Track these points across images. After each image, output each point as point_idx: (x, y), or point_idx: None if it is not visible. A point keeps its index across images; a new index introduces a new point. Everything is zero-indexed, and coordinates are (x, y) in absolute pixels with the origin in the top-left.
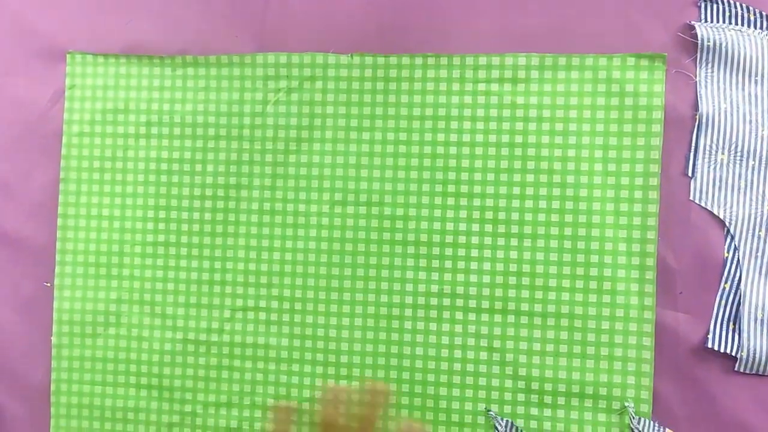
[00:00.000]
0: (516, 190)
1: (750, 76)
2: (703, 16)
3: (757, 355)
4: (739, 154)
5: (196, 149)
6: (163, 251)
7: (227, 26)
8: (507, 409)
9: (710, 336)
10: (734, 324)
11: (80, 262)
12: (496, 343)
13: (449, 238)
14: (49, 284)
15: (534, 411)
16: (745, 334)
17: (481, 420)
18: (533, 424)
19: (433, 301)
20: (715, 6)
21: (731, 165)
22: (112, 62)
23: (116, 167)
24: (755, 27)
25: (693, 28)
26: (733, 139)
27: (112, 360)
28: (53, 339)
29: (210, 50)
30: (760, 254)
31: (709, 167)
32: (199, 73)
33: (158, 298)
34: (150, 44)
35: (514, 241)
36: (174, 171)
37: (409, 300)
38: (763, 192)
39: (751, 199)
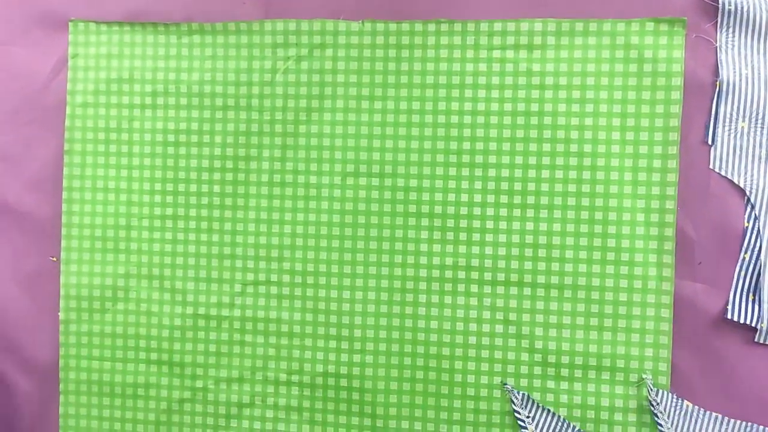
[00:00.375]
0: (532, 160)
1: None
2: None
3: None
4: (759, 121)
5: (204, 120)
6: (172, 224)
7: None
8: (523, 382)
9: (729, 307)
10: (754, 295)
11: (87, 235)
12: (512, 316)
13: (464, 210)
14: (55, 258)
15: (551, 384)
16: (765, 305)
17: (497, 393)
18: (550, 397)
19: (448, 273)
20: None
21: (752, 133)
22: (115, 30)
23: (122, 138)
24: None
25: None
26: (754, 106)
27: (121, 335)
28: (60, 314)
29: (216, 17)
30: None
31: (729, 135)
32: (205, 40)
33: (167, 273)
34: (154, 11)
35: (530, 212)
36: (181, 142)
37: (423, 273)
38: None
39: None
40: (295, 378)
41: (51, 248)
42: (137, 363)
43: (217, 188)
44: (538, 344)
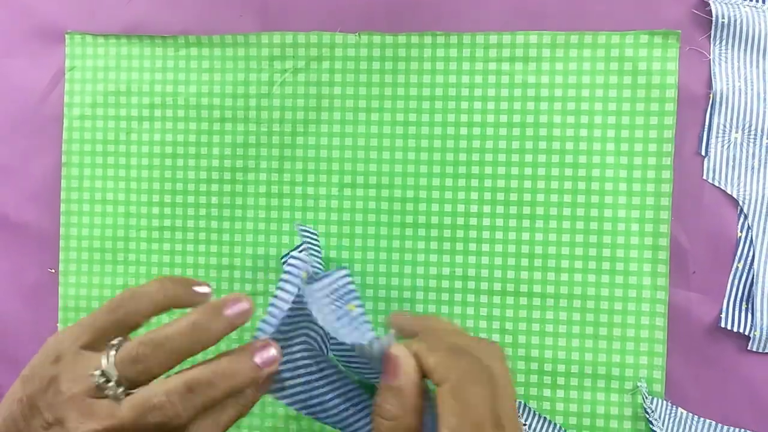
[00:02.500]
0: (528, 171)
1: (765, 53)
2: None
3: None
4: (752, 132)
5: (201, 132)
6: (169, 236)
7: (230, 4)
8: (520, 390)
9: (723, 316)
10: (747, 303)
11: (85, 247)
12: (508, 325)
13: (460, 220)
14: (53, 270)
15: (547, 392)
16: (758, 314)
17: None
18: (546, 405)
19: (445, 283)
20: None
21: (745, 144)
22: (112, 43)
23: (119, 150)
24: None
25: (707, 4)
26: (747, 118)
27: None
28: (59, 326)
29: (213, 29)
30: None
31: (722, 146)
32: (202, 53)
33: None
34: (151, 24)
35: (525, 223)
36: (179, 154)
37: (420, 283)
38: None
39: (764, 178)
40: None
41: (50, 260)
42: None
43: (215, 200)
44: (534, 353)
